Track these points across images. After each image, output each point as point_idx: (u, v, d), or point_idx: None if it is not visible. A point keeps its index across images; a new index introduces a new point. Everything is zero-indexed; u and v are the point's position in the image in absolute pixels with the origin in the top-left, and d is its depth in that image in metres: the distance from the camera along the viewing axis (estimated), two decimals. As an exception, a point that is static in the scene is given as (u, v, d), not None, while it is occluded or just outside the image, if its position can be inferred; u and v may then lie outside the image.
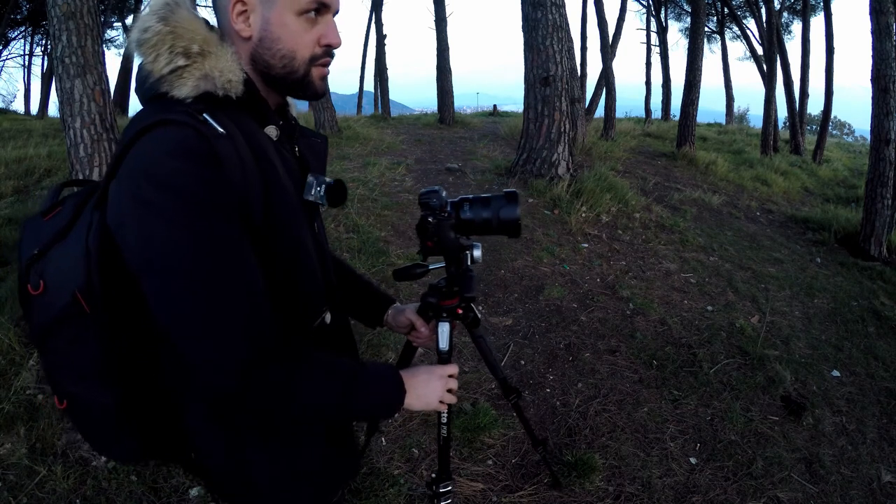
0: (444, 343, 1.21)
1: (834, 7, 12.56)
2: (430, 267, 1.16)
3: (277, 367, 0.70)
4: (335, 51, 0.83)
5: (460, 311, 1.23)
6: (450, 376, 0.99)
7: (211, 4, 0.82)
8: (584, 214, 4.85)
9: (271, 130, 0.81)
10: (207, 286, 0.65)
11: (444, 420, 1.32)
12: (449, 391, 0.99)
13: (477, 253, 1.14)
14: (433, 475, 1.39)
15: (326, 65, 0.83)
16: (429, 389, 0.93)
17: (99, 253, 0.69)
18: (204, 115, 0.68)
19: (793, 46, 17.79)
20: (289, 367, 0.72)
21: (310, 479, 0.92)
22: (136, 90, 0.76)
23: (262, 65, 0.78)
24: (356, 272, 1.21)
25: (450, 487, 1.36)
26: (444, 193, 1.11)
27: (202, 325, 0.66)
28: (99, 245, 0.69)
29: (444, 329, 1.21)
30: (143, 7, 17.20)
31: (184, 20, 0.72)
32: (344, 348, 1.01)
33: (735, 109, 22.53)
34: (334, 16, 0.82)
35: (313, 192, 0.84)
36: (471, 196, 1.12)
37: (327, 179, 0.86)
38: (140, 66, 0.74)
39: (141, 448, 0.81)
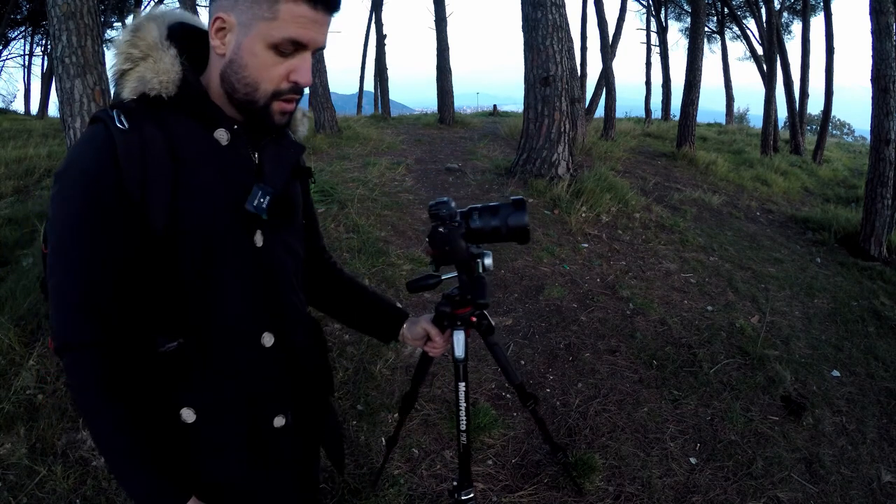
0: (459, 351, 1.24)
1: (834, 7, 12.57)
2: (444, 277, 1.17)
3: (89, 357, 0.74)
4: (304, 88, 0.81)
5: (474, 319, 1.25)
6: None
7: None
8: (584, 214, 4.85)
9: (221, 134, 0.81)
10: (56, 258, 0.74)
11: (464, 427, 1.34)
12: None
13: (488, 261, 1.15)
14: (455, 482, 1.39)
15: (291, 101, 0.81)
16: None
17: None
18: (115, 111, 0.74)
19: (793, 46, 17.81)
20: (89, 368, 0.75)
21: (227, 495, 0.88)
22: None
23: (228, 85, 0.79)
24: (366, 287, 1.18)
25: (472, 494, 1.37)
26: (453, 204, 1.12)
27: (52, 287, 0.75)
28: None
29: (459, 337, 1.23)
30: (142, 8, 17.22)
31: (143, 31, 0.78)
32: (298, 381, 0.93)
33: (735, 109, 22.53)
34: (317, 52, 0.81)
35: (255, 202, 0.80)
36: (479, 205, 1.13)
37: (272, 191, 0.82)
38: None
39: None
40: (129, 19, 16.99)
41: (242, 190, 0.81)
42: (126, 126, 0.73)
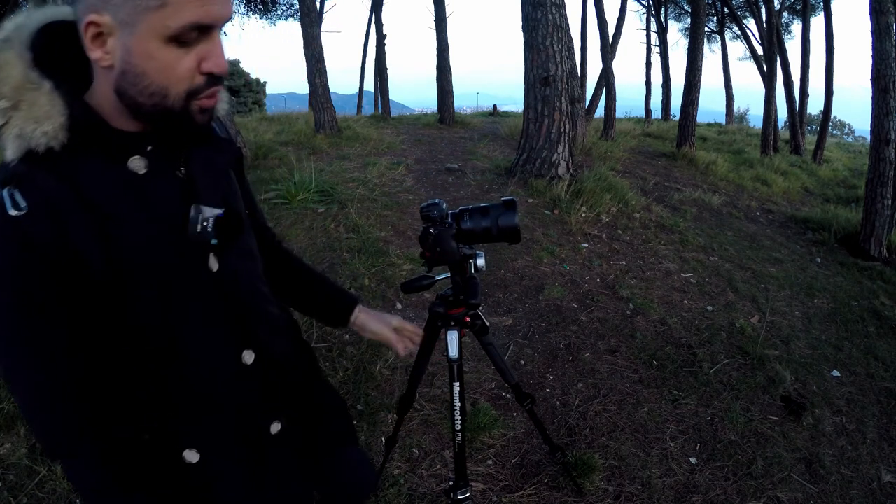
0: (453, 351, 1.24)
1: (834, 7, 12.57)
2: (437, 278, 1.17)
3: (95, 454, 0.70)
4: (224, 75, 0.68)
5: (468, 319, 1.25)
6: None
7: None
8: (584, 214, 4.85)
9: (136, 164, 0.69)
10: (18, 365, 0.66)
11: (459, 427, 1.34)
12: None
13: (480, 262, 1.16)
14: (450, 482, 1.40)
15: (212, 96, 0.68)
16: None
17: None
18: (4, 191, 0.61)
19: (793, 46, 17.78)
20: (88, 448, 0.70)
21: None
22: None
23: (128, 100, 0.65)
24: (313, 271, 1.12)
25: (468, 494, 1.37)
26: (444, 205, 1.13)
27: (20, 399, 0.69)
28: None
29: (453, 337, 1.24)
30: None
31: (4, 63, 0.63)
32: (287, 389, 0.92)
33: (735, 109, 22.51)
34: (222, 27, 0.66)
35: (199, 227, 0.70)
36: (470, 206, 1.14)
37: (216, 210, 0.71)
38: None
39: None
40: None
41: (179, 217, 0.70)
42: (24, 207, 0.61)
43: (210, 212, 0.71)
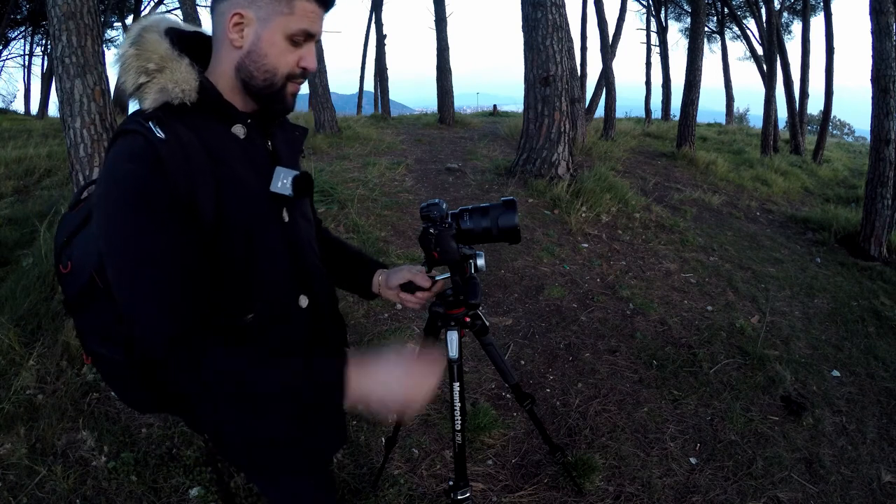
0: (453, 351, 1.24)
1: (834, 7, 12.57)
2: (437, 278, 1.17)
3: (198, 340, 0.80)
4: (309, 73, 0.91)
5: (468, 320, 1.25)
6: (427, 372, 0.88)
7: (209, 7, 0.91)
8: (583, 214, 4.85)
9: (238, 129, 0.89)
10: (136, 269, 0.78)
11: (458, 427, 1.34)
12: (422, 387, 0.86)
13: (480, 262, 1.15)
14: (450, 482, 1.40)
15: (300, 83, 0.92)
16: (386, 382, 0.85)
17: None
18: (150, 123, 0.79)
19: (793, 46, 17.79)
20: (204, 341, 0.81)
21: (277, 447, 1.00)
22: (115, 101, 0.84)
23: (246, 74, 0.87)
24: (347, 246, 1.24)
25: (468, 494, 1.37)
26: (444, 205, 1.13)
27: (132, 303, 0.79)
28: None
29: (453, 337, 1.24)
30: (142, 8, 17.22)
31: (148, 42, 0.84)
32: (324, 332, 1.05)
33: (735, 109, 22.52)
34: (316, 41, 0.91)
35: (279, 184, 0.89)
36: (470, 206, 1.14)
37: (294, 171, 0.91)
38: (117, 83, 0.86)
39: (153, 400, 0.97)
40: (129, 20, 17.00)
41: (265, 175, 0.90)
42: (164, 136, 0.78)
43: (289, 173, 0.90)
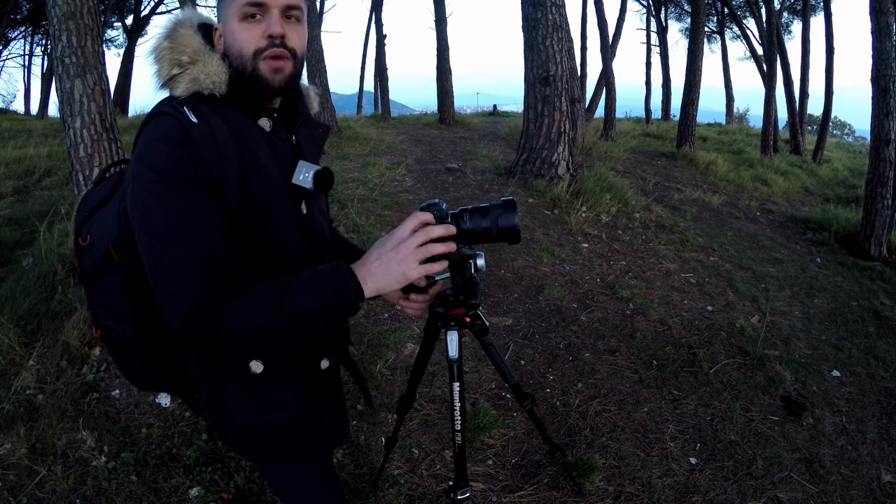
0: (453, 351, 1.24)
1: (834, 7, 12.57)
2: (437, 278, 1.17)
3: (217, 304, 0.81)
4: (288, 44, 0.90)
5: (468, 320, 1.25)
6: (416, 231, 0.87)
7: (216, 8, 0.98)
8: (583, 214, 4.85)
9: (264, 122, 0.94)
10: (167, 244, 0.81)
11: (458, 427, 1.34)
12: (423, 246, 0.85)
13: (480, 262, 1.15)
14: (450, 482, 1.40)
15: (275, 56, 0.90)
16: (387, 265, 0.85)
17: (126, 216, 0.86)
18: (184, 108, 0.84)
19: (793, 46, 17.79)
20: (222, 301, 0.82)
21: (283, 433, 1.02)
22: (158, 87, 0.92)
23: (234, 71, 0.91)
24: (352, 245, 1.26)
25: (468, 494, 1.37)
26: (444, 205, 1.13)
27: (161, 275, 0.81)
28: (126, 210, 0.86)
29: (453, 338, 1.24)
30: (142, 7, 17.21)
31: (182, 36, 0.89)
32: (333, 331, 1.09)
33: (735, 109, 22.53)
34: (290, 10, 0.90)
35: (301, 177, 0.93)
36: (469, 206, 1.14)
37: (316, 166, 0.94)
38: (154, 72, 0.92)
39: (158, 380, 1.01)
40: (129, 20, 16.94)
41: (288, 167, 0.94)
42: (196, 121, 0.83)
43: (311, 167, 0.94)
